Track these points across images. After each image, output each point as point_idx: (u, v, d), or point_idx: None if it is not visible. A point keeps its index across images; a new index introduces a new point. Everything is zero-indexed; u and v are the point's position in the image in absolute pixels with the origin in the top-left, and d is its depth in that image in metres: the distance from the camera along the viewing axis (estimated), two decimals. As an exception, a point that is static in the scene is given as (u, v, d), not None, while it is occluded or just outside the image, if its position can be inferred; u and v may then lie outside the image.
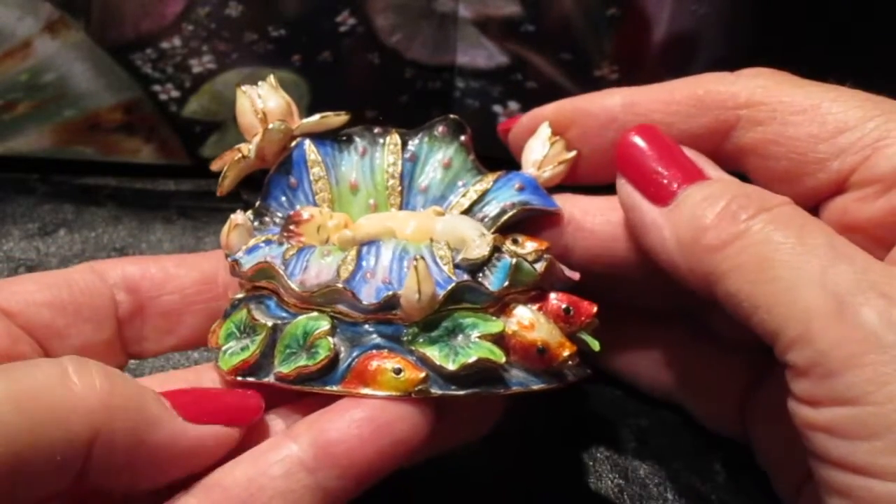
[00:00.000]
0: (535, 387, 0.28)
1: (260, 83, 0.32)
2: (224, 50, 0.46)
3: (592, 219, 0.32)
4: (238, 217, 0.31)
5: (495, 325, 0.28)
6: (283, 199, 0.32)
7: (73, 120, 0.48)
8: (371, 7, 0.45)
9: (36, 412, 0.22)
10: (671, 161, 0.29)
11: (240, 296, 0.30)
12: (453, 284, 0.27)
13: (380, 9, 0.45)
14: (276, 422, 0.28)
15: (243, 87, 0.32)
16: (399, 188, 0.32)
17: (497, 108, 0.47)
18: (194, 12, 0.45)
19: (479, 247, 0.29)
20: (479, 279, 0.28)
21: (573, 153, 0.33)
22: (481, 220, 0.31)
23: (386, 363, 0.26)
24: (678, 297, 0.33)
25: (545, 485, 0.35)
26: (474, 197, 0.32)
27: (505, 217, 0.31)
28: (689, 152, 0.30)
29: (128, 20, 0.46)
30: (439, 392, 0.26)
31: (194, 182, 0.51)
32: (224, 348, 0.29)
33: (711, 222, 0.27)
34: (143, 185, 0.51)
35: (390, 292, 0.27)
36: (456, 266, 0.29)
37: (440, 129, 0.33)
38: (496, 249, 0.29)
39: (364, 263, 0.28)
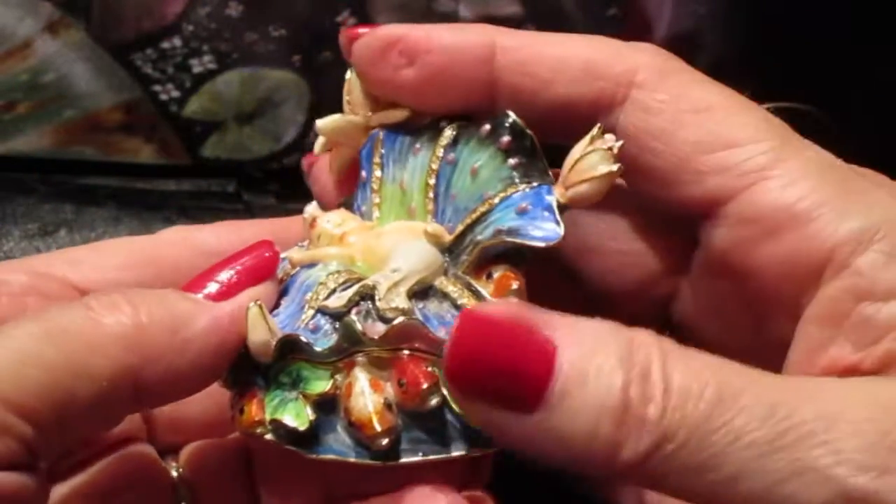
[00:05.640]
0: (351, 459, 0.26)
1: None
2: (224, 50, 0.46)
3: (525, 51, 0.27)
4: (309, 210, 0.30)
5: (320, 385, 0.26)
6: (358, 191, 0.31)
7: (74, 120, 0.48)
8: (371, 7, 0.45)
9: (69, 344, 0.22)
10: (520, 353, 0.22)
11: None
12: (277, 338, 0.26)
13: (380, 9, 0.45)
14: None
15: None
16: (432, 194, 0.30)
17: (497, 109, 0.47)
18: (194, 12, 0.45)
19: (338, 297, 0.27)
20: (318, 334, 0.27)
21: (612, 168, 0.26)
22: (473, 245, 0.28)
23: (245, 404, 0.27)
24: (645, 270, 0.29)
25: (545, 485, 0.35)
26: (474, 216, 0.28)
27: (482, 249, 0.28)
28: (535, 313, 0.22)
29: (128, 20, 0.46)
30: (270, 438, 0.26)
31: (194, 182, 0.51)
32: None
33: (615, 437, 0.21)
34: (144, 185, 0.51)
35: None
36: (317, 310, 0.27)
37: (485, 128, 0.28)
38: (367, 298, 0.26)
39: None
